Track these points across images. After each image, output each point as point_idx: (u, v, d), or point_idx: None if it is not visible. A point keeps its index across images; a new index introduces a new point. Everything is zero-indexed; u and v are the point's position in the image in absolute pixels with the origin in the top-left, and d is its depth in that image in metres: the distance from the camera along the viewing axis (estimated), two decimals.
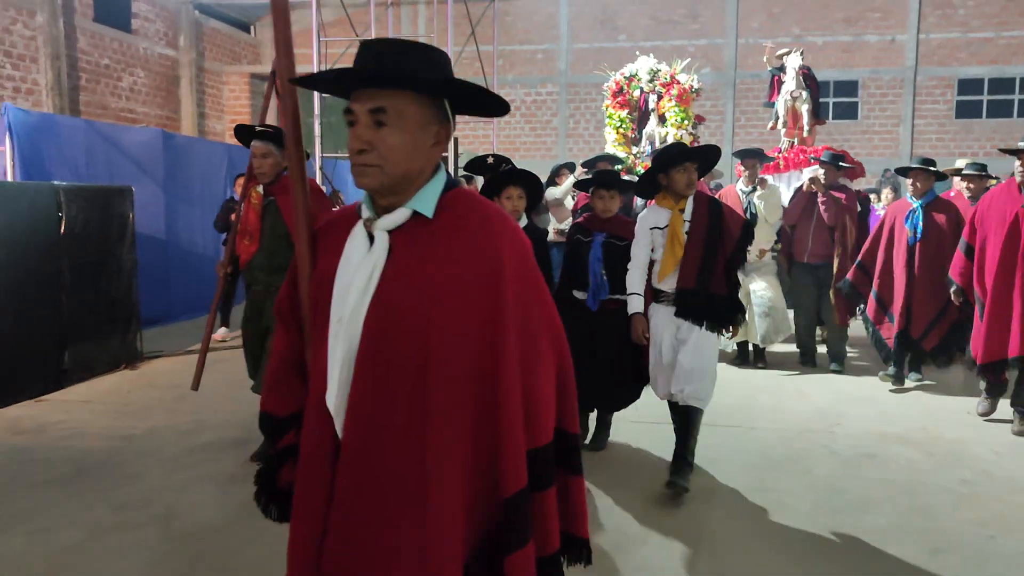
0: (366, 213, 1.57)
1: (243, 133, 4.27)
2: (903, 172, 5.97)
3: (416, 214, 1.54)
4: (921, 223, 5.67)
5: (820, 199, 6.38)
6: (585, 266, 4.31)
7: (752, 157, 6.66)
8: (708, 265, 3.79)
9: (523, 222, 4.31)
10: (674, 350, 3.88)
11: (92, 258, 5.88)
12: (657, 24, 20.50)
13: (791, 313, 6.82)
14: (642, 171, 7.35)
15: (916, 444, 4.67)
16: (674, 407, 4.01)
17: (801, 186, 6.69)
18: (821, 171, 6.51)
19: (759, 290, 6.53)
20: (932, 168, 5.82)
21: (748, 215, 6.41)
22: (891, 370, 6.01)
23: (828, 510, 3.68)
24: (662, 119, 9.00)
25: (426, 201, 1.54)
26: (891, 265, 5.88)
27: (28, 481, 3.91)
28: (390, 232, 1.53)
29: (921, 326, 5.72)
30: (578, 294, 4.39)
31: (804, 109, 8.31)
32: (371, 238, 1.54)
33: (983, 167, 6.27)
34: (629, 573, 3.03)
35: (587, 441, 4.61)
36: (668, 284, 3.90)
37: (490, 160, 4.94)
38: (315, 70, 9.06)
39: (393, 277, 1.50)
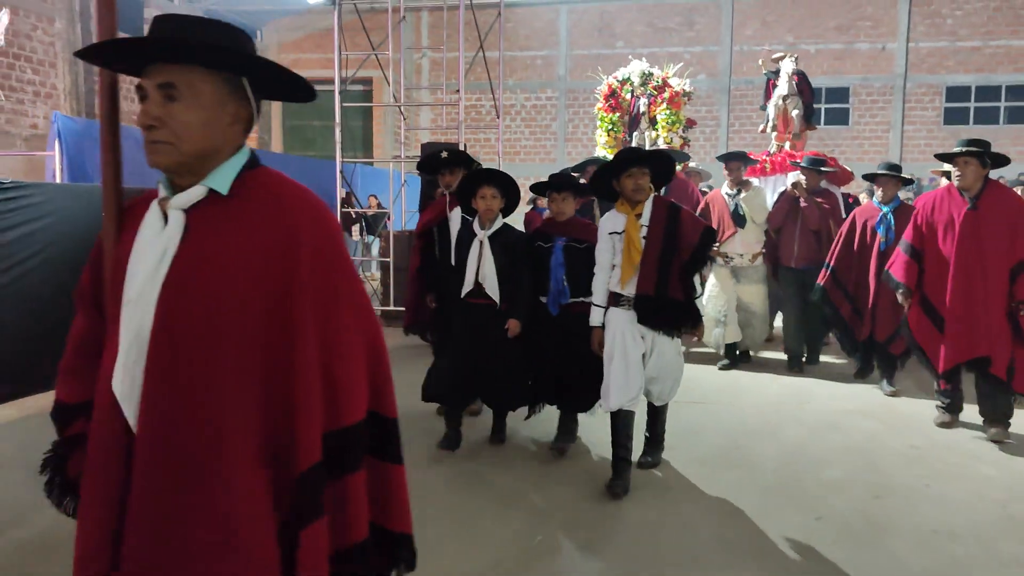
0: (162, 192, 1.53)
1: None
2: (870, 178, 6.03)
3: (213, 192, 1.50)
4: (893, 228, 5.63)
5: (802, 203, 6.44)
6: (547, 271, 4.28)
7: (736, 160, 6.67)
8: (665, 270, 3.80)
9: (498, 223, 4.30)
10: (636, 349, 3.87)
11: None
12: (654, 31, 21.09)
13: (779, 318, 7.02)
14: None
15: (876, 417, 5.23)
16: (618, 420, 3.93)
17: (785, 190, 6.77)
18: (803, 176, 6.59)
19: (744, 296, 6.59)
20: (898, 174, 5.85)
21: (735, 217, 6.46)
22: (886, 386, 5.93)
23: (792, 466, 4.25)
24: (653, 122, 9.13)
25: (222, 178, 1.51)
26: (866, 268, 5.84)
27: None
28: (187, 211, 1.49)
29: (888, 330, 5.62)
30: (543, 299, 4.36)
31: (795, 114, 8.36)
32: (167, 218, 1.49)
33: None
34: (614, 519, 3.58)
35: (555, 441, 4.52)
36: (628, 289, 3.89)
37: (444, 155, 4.90)
38: (337, 80, 9.58)
39: (187, 257, 1.46)
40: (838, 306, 6.07)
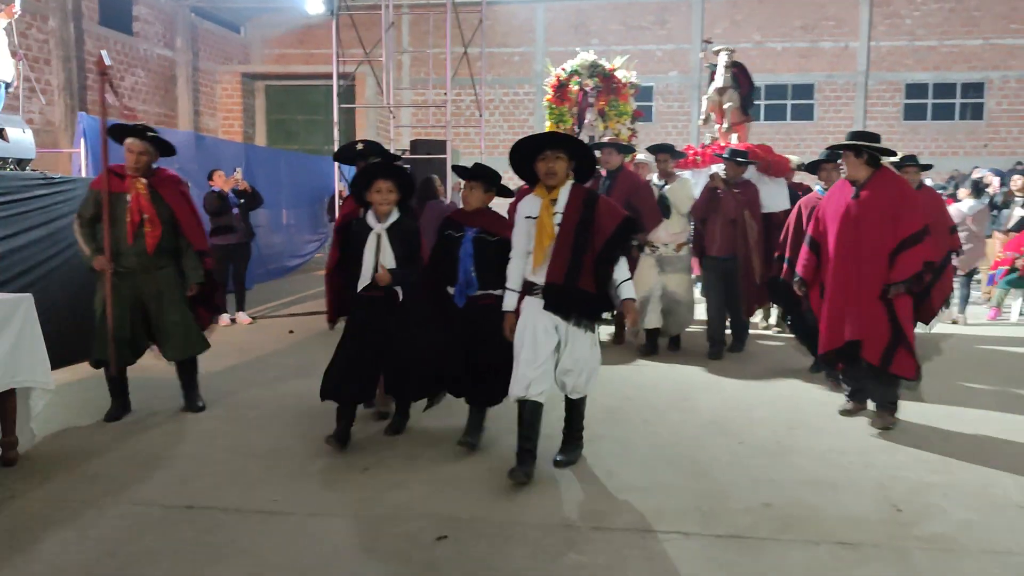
0: None
1: (117, 132, 4.69)
2: (812, 168, 6.00)
3: None
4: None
5: (721, 194, 6.53)
6: (456, 262, 4.16)
7: (664, 152, 6.76)
8: (577, 260, 3.66)
9: (394, 216, 4.16)
10: (547, 343, 3.72)
11: None
12: (627, 29, 21.85)
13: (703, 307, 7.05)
14: None
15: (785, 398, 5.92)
16: (526, 410, 3.77)
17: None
18: (723, 167, 6.68)
19: (669, 284, 6.67)
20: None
21: (661, 207, 6.57)
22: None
23: (726, 409, 4.96)
24: (601, 114, 9.09)
25: None
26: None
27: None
28: None
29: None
30: (451, 289, 4.25)
31: (727, 106, 8.36)
32: None
33: (914, 158, 6.56)
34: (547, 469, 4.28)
35: (465, 437, 4.28)
36: (539, 276, 3.75)
37: (359, 147, 4.76)
38: (335, 84, 10.19)
39: None
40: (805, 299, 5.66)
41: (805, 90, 21.63)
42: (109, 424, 4.66)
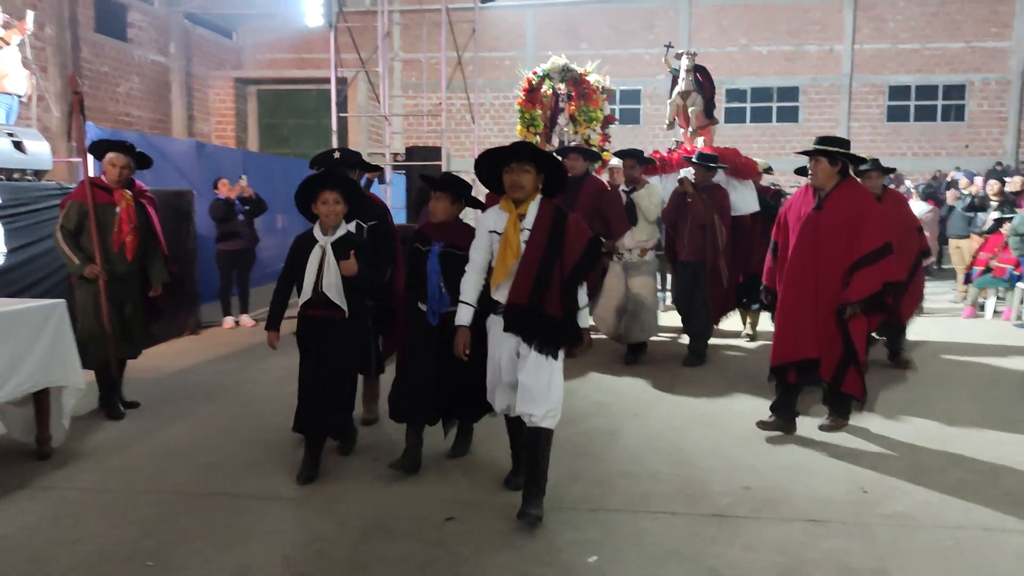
0: None
1: (99, 148, 5.03)
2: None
3: None
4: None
5: (689, 199, 6.45)
6: (425, 278, 3.94)
7: (631, 157, 6.60)
8: (543, 280, 3.43)
9: (342, 230, 3.98)
10: (514, 365, 3.53)
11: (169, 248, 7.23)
12: (617, 34, 22.21)
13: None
14: None
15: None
16: (512, 423, 3.75)
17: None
18: (692, 171, 6.65)
19: (633, 287, 6.57)
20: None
21: (628, 213, 6.46)
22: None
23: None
24: (572, 119, 8.91)
25: None
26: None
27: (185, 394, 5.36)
28: None
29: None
30: (423, 306, 4.00)
31: (692, 110, 8.27)
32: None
33: (877, 162, 6.20)
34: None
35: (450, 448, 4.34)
36: (502, 294, 3.51)
37: (336, 155, 4.59)
38: (333, 94, 10.43)
39: None
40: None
41: (791, 92, 22.05)
42: (121, 422, 4.95)
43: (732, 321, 7.77)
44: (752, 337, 7.79)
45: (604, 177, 7.46)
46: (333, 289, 3.90)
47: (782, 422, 4.72)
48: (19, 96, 7.36)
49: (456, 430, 4.35)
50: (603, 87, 8.96)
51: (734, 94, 22.18)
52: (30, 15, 7.66)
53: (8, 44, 7.13)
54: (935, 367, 6.55)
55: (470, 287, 3.64)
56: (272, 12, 20.78)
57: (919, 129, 21.59)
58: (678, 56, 8.37)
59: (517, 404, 3.53)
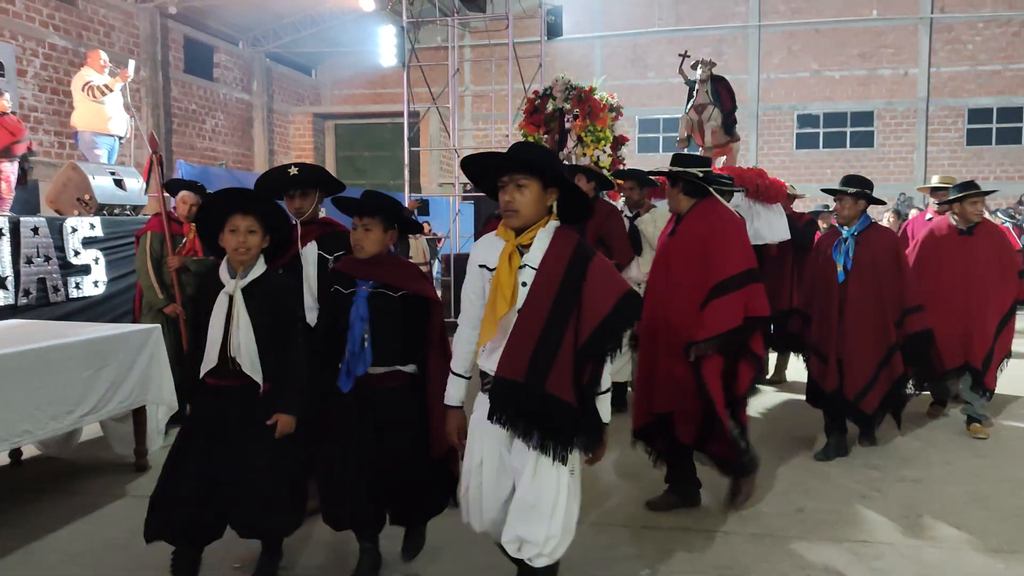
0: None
1: (173, 186, 5.40)
2: (832, 194, 4.82)
3: None
4: (852, 255, 4.61)
5: None
6: (345, 329, 2.99)
7: (630, 178, 5.78)
8: (548, 346, 2.45)
9: (257, 270, 2.98)
10: (503, 470, 2.57)
11: None
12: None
13: None
14: None
15: None
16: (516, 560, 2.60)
17: None
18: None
19: None
20: (860, 189, 4.62)
21: (632, 241, 5.56)
22: (818, 451, 4.78)
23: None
24: (580, 140, 8.13)
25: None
26: (826, 306, 4.71)
27: None
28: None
29: (858, 384, 4.60)
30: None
31: (709, 125, 7.38)
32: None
33: (970, 184, 5.35)
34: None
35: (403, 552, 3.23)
36: (491, 361, 2.56)
37: (293, 171, 3.46)
38: (405, 128, 10.89)
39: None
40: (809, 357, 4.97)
41: (865, 117, 21.73)
42: None
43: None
44: (779, 382, 6.82)
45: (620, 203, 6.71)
46: (244, 353, 2.88)
47: (675, 498, 3.91)
48: (120, 137, 8.00)
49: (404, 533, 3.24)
50: (611, 105, 8.31)
51: (806, 119, 22.00)
52: (131, 63, 8.32)
53: (112, 91, 7.77)
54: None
55: (462, 350, 2.68)
56: (348, 50, 21.67)
57: (1002, 152, 20.97)
58: (694, 66, 7.53)
59: (505, 526, 2.53)
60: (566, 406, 2.45)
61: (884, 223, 11.46)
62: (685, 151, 7.59)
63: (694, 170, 3.77)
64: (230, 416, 2.93)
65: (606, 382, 2.57)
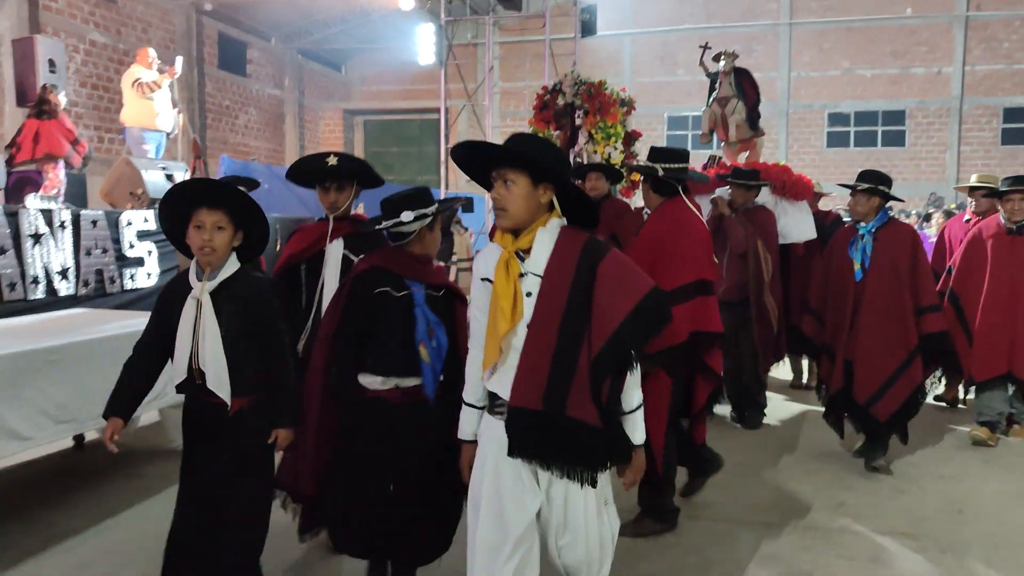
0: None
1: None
2: (849, 190, 4.59)
3: None
4: (870, 252, 4.41)
5: (726, 224, 5.37)
6: (403, 331, 2.68)
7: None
8: (564, 364, 2.15)
9: (228, 269, 2.60)
10: (521, 503, 2.21)
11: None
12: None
13: None
14: None
15: None
16: None
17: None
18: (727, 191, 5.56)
19: None
20: (876, 185, 4.41)
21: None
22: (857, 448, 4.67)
23: None
24: (591, 136, 7.86)
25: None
26: (840, 306, 4.55)
27: None
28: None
29: (870, 387, 4.36)
30: (369, 380, 2.72)
31: (732, 120, 7.07)
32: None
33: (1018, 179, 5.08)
34: None
35: None
36: (497, 383, 2.25)
37: (331, 161, 3.18)
38: (442, 126, 11.04)
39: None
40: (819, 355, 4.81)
41: (896, 116, 21.55)
42: None
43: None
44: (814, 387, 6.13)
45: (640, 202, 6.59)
46: (209, 366, 2.54)
47: (700, 480, 3.92)
48: (167, 132, 8.21)
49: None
50: (622, 99, 8.02)
51: (837, 118, 21.86)
52: (179, 60, 8.53)
53: (160, 87, 7.98)
54: None
55: (473, 376, 2.34)
56: (378, 47, 21.85)
57: None
58: (716, 58, 7.25)
59: (552, 557, 2.30)
60: (592, 429, 2.15)
61: (934, 223, 11.24)
62: (710, 146, 7.79)
63: (658, 165, 3.59)
64: (205, 435, 2.62)
65: (636, 398, 2.27)
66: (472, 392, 2.38)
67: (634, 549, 3.41)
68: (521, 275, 2.20)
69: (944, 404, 6.08)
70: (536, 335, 2.17)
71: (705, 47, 7.74)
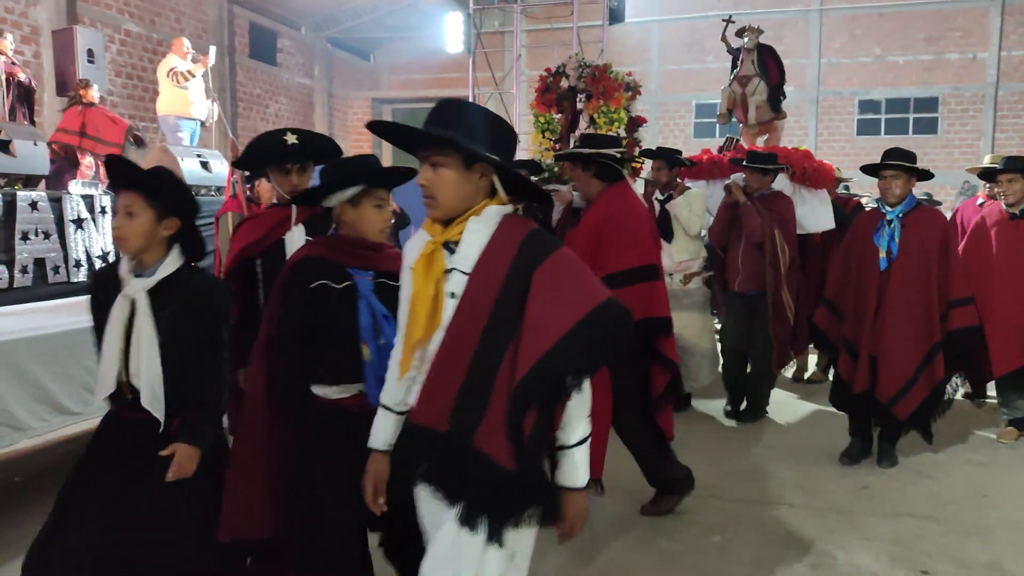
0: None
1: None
2: (871, 171, 4.30)
3: None
4: (898, 239, 4.11)
5: (740, 210, 5.10)
6: (347, 328, 2.26)
7: (659, 158, 5.28)
8: (479, 383, 1.76)
9: (171, 263, 2.25)
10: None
11: None
12: None
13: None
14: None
15: None
16: None
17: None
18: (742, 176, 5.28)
19: (677, 326, 4.51)
20: (908, 163, 4.12)
21: (661, 227, 4.93)
22: (842, 452, 4.42)
23: None
24: (593, 121, 7.52)
25: None
26: (863, 297, 4.23)
27: None
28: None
29: (894, 386, 4.12)
30: (323, 390, 2.30)
31: (753, 99, 6.55)
32: None
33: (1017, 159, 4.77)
34: None
35: None
36: (409, 395, 1.94)
37: (290, 139, 2.83)
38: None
39: None
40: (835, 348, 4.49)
41: (929, 103, 21.21)
42: None
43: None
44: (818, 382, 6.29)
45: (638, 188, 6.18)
46: (145, 380, 2.18)
47: (676, 497, 3.67)
48: (202, 121, 8.36)
49: None
50: (627, 84, 7.63)
51: (867, 105, 21.59)
52: (212, 50, 8.68)
53: (194, 76, 8.13)
54: None
55: (393, 376, 1.98)
56: (407, 35, 21.95)
57: None
58: (739, 33, 6.69)
59: None
60: (500, 472, 1.71)
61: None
62: (730, 128, 7.28)
63: (610, 151, 3.53)
64: (120, 455, 2.22)
65: (580, 428, 1.80)
66: (390, 394, 1.98)
67: (655, 526, 3.49)
68: (447, 272, 1.82)
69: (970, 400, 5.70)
70: (451, 344, 1.79)
71: (728, 20, 7.18)
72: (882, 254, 4.15)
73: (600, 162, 3.52)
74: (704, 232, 5.44)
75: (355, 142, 22.73)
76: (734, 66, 6.87)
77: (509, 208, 1.87)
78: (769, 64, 6.68)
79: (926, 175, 4.24)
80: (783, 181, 5.62)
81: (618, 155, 3.55)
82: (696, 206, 5.14)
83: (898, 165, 4.10)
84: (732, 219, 5.17)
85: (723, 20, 7.25)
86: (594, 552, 3.27)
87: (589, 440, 1.84)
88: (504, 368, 1.75)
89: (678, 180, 5.32)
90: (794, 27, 21.85)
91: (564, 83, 7.64)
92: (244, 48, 18.39)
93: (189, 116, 8.20)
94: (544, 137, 7.75)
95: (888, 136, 21.36)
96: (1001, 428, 4.90)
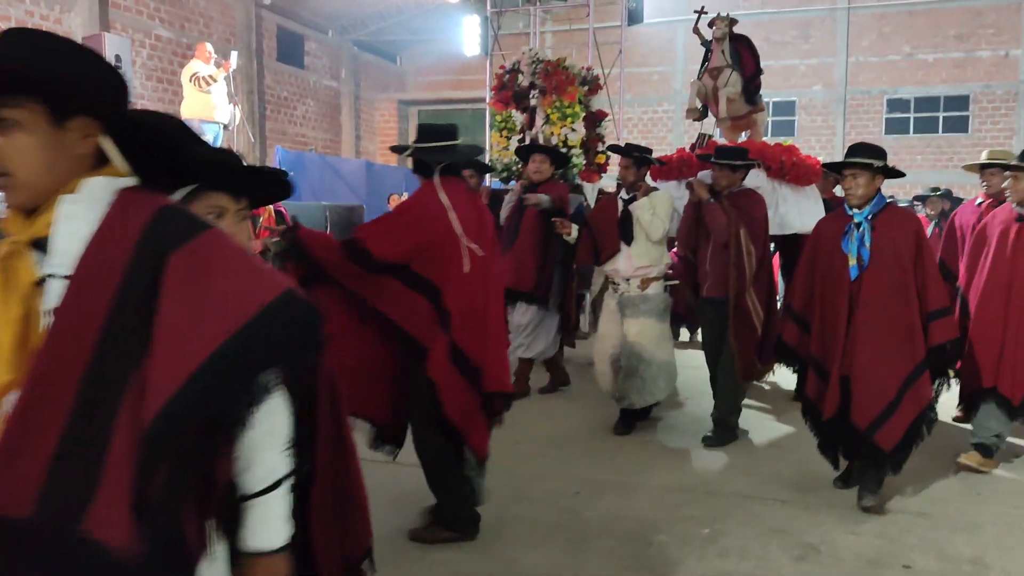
0: None
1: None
2: (834, 168, 4.02)
3: None
4: (868, 244, 3.65)
5: (704, 210, 4.73)
6: None
7: (626, 155, 4.91)
8: (85, 444, 1.14)
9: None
10: None
11: None
12: (770, 45, 21.88)
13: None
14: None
15: None
16: None
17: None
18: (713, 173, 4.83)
19: (630, 333, 4.79)
20: (865, 161, 3.63)
21: (622, 229, 4.81)
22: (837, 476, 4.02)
23: None
24: (547, 117, 7.37)
25: None
26: (832, 310, 3.76)
27: None
28: None
29: (872, 410, 3.62)
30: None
31: (724, 92, 6.16)
32: None
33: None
34: None
35: None
36: None
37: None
38: (487, 118, 11.24)
39: None
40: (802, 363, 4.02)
41: (959, 102, 20.93)
42: None
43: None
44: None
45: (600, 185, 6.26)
46: None
47: (448, 533, 3.35)
48: (225, 124, 8.60)
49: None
50: (584, 78, 7.36)
51: (896, 104, 21.36)
52: (234, 54, 8.91)
53: (217, 81, 8.36)
54: None
55: None
56: (432, 38, 22.16)
57: None
58: (711, 23, 6.34)
59: None
60: (127, 566, 1.13)
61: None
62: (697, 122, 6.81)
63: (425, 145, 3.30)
64: None
65: (273, 464, 1.31)
66: None
67: (648, 519, 3.57)
68: (40, 282, 1.22)
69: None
70: (37, 385, 1.16)
71: (700, 12, 6.62)
72: (852, 262, 3.67)
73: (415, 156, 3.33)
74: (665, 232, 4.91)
75: (382, 142, 23.01)
76: (705, 59, 6.55)
77: (129, 180, 1.29)
78: (744, 55, 6.29)
79: (894, 173, 3.72)
80: (760, 178, 5.29)
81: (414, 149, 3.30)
82: (660, 209, 4.78)
83: (855, 163, 3.62)
84: (698, 219, 4.82)
85: (695, 12, 6.71)
86: (583, 544, 3.37)
87: (290, 481, 1.33)
88: (127, 404, 1.15)
89: (644, 181, 4.99)
90: (821, 26, 21.68)
91: (521, 80, 7.46)
92: (272, 51, 18.71)
93: (212, 120, 8.44)
94: (502, 136, 7.51)
95: (917, 135, 21.11)
96: (964, 453, 4.32)
